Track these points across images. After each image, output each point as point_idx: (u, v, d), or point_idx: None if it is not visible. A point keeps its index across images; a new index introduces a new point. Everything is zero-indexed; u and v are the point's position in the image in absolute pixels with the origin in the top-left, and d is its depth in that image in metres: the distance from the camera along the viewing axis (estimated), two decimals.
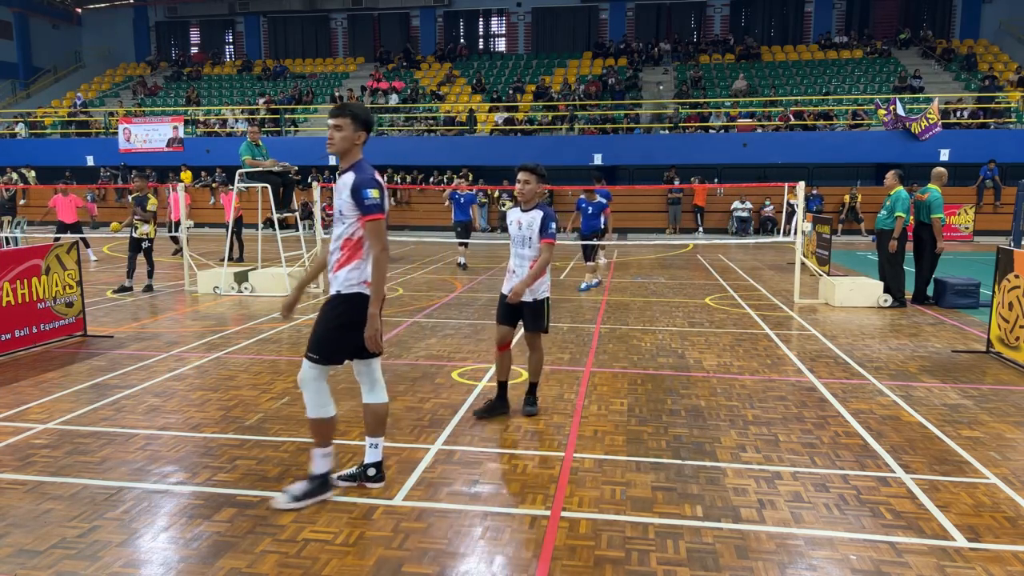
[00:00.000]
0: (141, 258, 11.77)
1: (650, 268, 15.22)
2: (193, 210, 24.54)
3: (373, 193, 3.89)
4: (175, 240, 17.70)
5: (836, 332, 8.73)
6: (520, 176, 5.31)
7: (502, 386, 5.60)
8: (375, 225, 3.91)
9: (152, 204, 11.65)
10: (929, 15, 29.71)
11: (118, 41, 36.04)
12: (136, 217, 11.57)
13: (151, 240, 11.77)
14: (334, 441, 5.05)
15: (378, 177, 4.01)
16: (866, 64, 27.79)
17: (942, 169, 10.95)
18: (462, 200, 15.28)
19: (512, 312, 5.42)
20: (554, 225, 5.29)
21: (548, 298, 5.46)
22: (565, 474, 4.50)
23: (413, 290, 12.09)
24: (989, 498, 4.17)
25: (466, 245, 15.33)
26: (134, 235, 11.63)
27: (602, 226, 12.17)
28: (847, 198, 23.14)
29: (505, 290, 5.42)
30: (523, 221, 5.37)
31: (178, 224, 16.84)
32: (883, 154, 23.07)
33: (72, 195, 15.45)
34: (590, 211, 12.11)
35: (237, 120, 28.23)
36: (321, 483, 4.11)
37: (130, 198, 11.86)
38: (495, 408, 5.57)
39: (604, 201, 12.24)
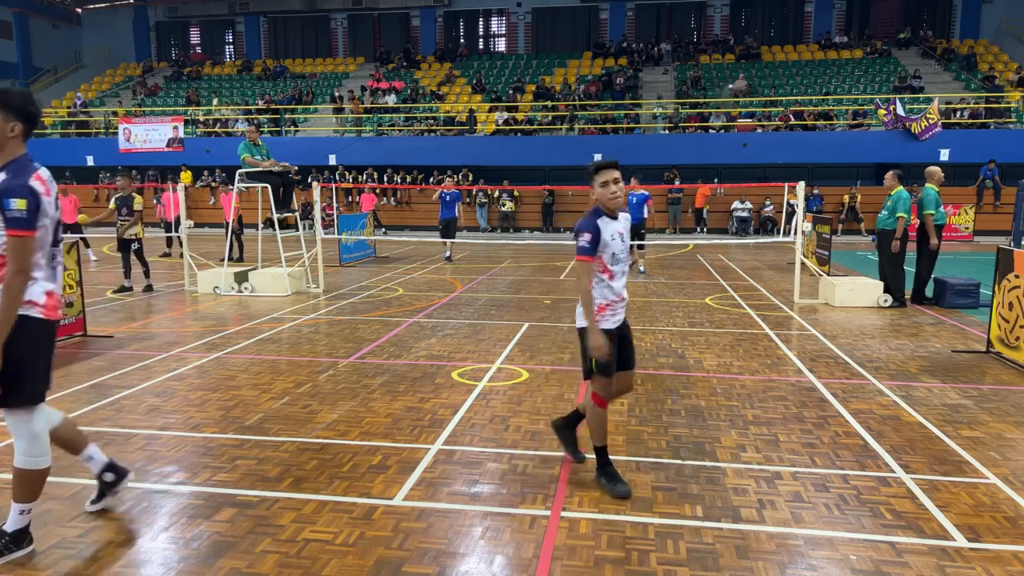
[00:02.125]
0: (135, 258, 11.74)
1: (650, 268, 15.22)
2: (193, 210, 24.60)
3: (18, 204, 3.23)
4: (168, 243, 17.69)
5: (836, 332, 8.73)
6: (612, 176, 4.19)
7: (603, 451, 4.40)
8: (16, 242, 3.23)
9: (138, 203, 11.50)
10: (929, 15, 29.71)
11: (118, 41, 36.04)
12: (121, 218, 11.46)
13: (140, 240, 11.69)
14: (323, 440, 5.05)
15: (35, 183, 3.30)
16: (866, 64, 27.79)
17: (934, 168, 10.96)
18: (448, 198, 16.27)
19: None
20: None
21: None
22: (565, 474, 4.50)
23: (413, 290, 12.09)
24: (989, 498, 4.17)
25: (450, 241, 16.56)
26: (124, 237, 11.56)
27: (644, 216, 14.06)
28: (846, 198, 23.14)
29: (614, 323, 4.28)
30: (623, 231, 4.27)
31: (170, 224, 16.88)
32: (883, 154, 23.07)
33: (72, 196, 15.45)
34: (634, 201, 13.93)
35: (237, 120, 28.21)
36: (15, 540, 3.49)
37: (113, 199, 11.60)
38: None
39: (647, 193, 14.17)
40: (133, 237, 11.55)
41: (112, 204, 11.60)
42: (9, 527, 3.48)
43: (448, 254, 16.72)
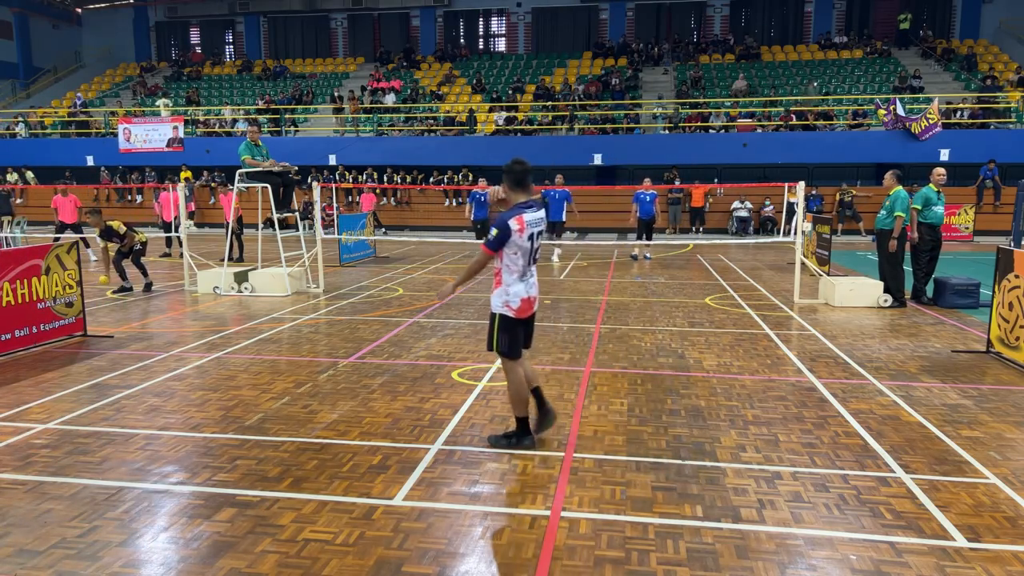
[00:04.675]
0: (131, 262, 11.68)
1: (650, 268, 15.22)
2: (193, 210, 24.56)
3: None
4: (168, 243, 17.67)
5: (836, 332, 8.73)
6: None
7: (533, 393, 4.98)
8: None
9: (118, 226, 11.34)
10: (929, 15, 29.70)
11: (118, 41, 36.02)
12: (123, 244, 11.38)
13: (144, 244, 11.70)
14: (323, 440, 5.05)
15: None
16: (866, 64, 27.78)
17: (935, 168, 11.01)
18: (482, 199, 16.86)
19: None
20: (493, 232, 4.65)
21: (500, 314, 4.78)
22: (565, 474, 4.50)
23: (413, 290, 12.09)
24: (989, 498, 4.17)
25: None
26: (132, 247, 11.54)
27: (654, 212, 16.36)
28: (837, 195, 23.12)
29: None
30: None
31: (168, 225, 16.86)
32: (883, 154, 23.05)
33: (72, 195, 15.42)
34: (647, 199, 16.20)
35: (236, 121, 28.21)
36: None
37: (98, 239, 11.55)
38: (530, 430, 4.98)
39: (655, 192, 16.51)
40: (139, 245, 11.62)
41: (101, 243, 11.58)
42: None
43: None
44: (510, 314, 4.76)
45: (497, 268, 4.78)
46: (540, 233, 4.87)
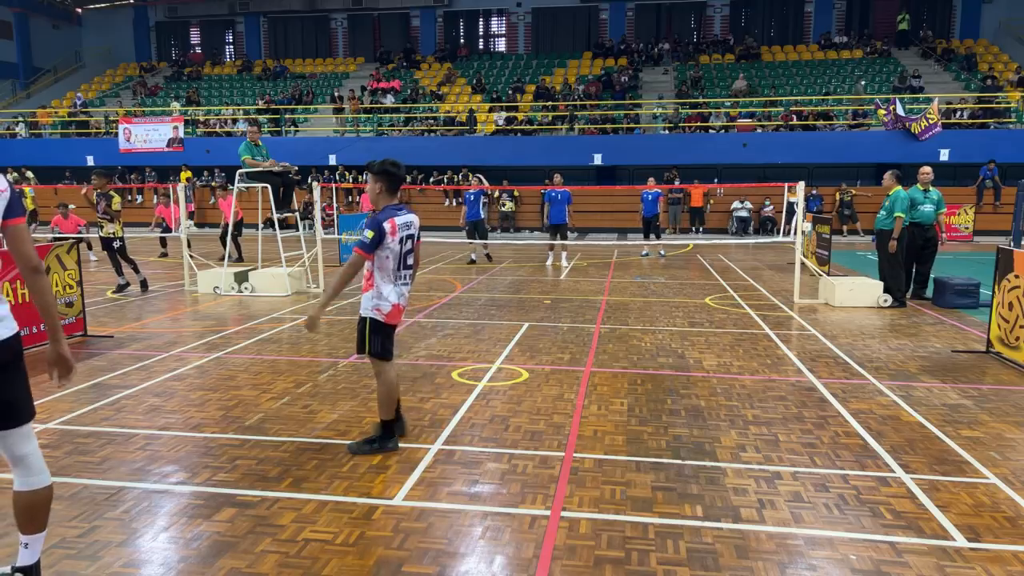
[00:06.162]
0: (120, 257, 11.66)
1: (650, 268, 15.22)
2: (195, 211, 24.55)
3: None
4: (163, 243, 17.63)
5: (836, 332, 8.73)
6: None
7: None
8: None
9: (116, 203, 11.37)
10: (929, 15, 29.70)
11: (118, 41, 36.02)
12: (98, 215, 11.38)
13: (121, 239, 11.59)
14: (323, 440, 5.05)
15: None
16: (866, 64, 27.78)
17: (921, 168, 11.02)
18: (472, 198, 15.95)
19: None
20: (368, 234, 4.57)
21: (371, 318, 4.72)
22: (565, 474, 4.50)
23: (413, 290, 12.06)
24: (989, 498, 4.17)
25: (483, 242, 16.30)
26: (100, 234, 11.51)
27: (658, 211, 17.07)
28: (837, 195, 23.13)
29: None
30: None
31: (169, 228, 16.84)
32: (883, 154, 23.05)
33: (73, 216, 15.27)
34: (649, 198, 16.84)
35: (236, 121, 28.22)
36: None
37: (94, 192, 11.49)
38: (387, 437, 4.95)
39: (660, 192, 17.19)
40: (112, 235, 11.50)
41: (93, 196, 11.52)
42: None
43: (474, 256, 16.23)
44: (380, 318, 4.72)
45: (369, 271, 4.73)
46: (412, 237, 4.82)
